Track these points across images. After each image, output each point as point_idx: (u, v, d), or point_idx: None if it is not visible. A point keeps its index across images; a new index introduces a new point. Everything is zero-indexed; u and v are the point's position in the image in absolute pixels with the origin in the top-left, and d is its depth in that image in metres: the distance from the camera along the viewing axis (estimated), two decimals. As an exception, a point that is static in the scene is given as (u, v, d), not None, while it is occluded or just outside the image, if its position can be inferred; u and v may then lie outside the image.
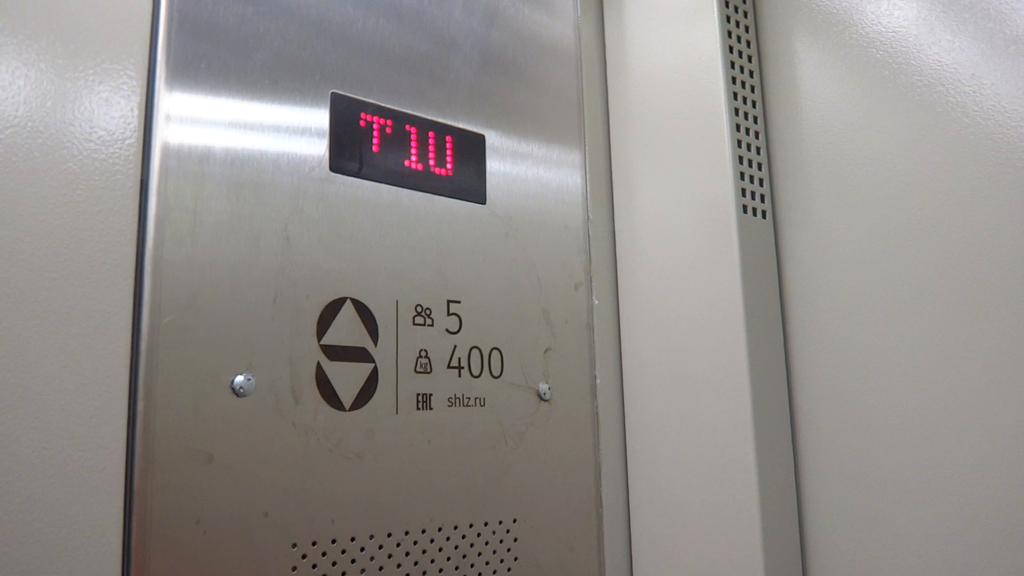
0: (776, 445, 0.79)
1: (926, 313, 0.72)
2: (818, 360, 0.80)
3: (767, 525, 0.75)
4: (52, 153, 0.57)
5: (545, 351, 0.83)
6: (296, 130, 0.70)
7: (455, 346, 0.76)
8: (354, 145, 0.73)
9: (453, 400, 0.75)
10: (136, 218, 0.60)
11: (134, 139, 0.61)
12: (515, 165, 0.85)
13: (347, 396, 0.69)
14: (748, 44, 0.87)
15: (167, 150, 0.62)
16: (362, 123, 0.74)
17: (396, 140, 0.76)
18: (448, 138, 0.79)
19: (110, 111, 0.61)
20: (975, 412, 0.68)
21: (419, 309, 0.74)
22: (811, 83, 0.84)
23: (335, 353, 0.69)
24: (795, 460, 0.81)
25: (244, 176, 0.66)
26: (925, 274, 0.72)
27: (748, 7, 0.88)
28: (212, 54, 0.66)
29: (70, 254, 0.57)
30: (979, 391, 0.67)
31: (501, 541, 0.77)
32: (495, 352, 0.79)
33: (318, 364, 0.67)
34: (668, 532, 0.84)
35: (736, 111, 0.83)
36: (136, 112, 0.62)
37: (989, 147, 0.69)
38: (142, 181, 0.61)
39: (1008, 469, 0.65)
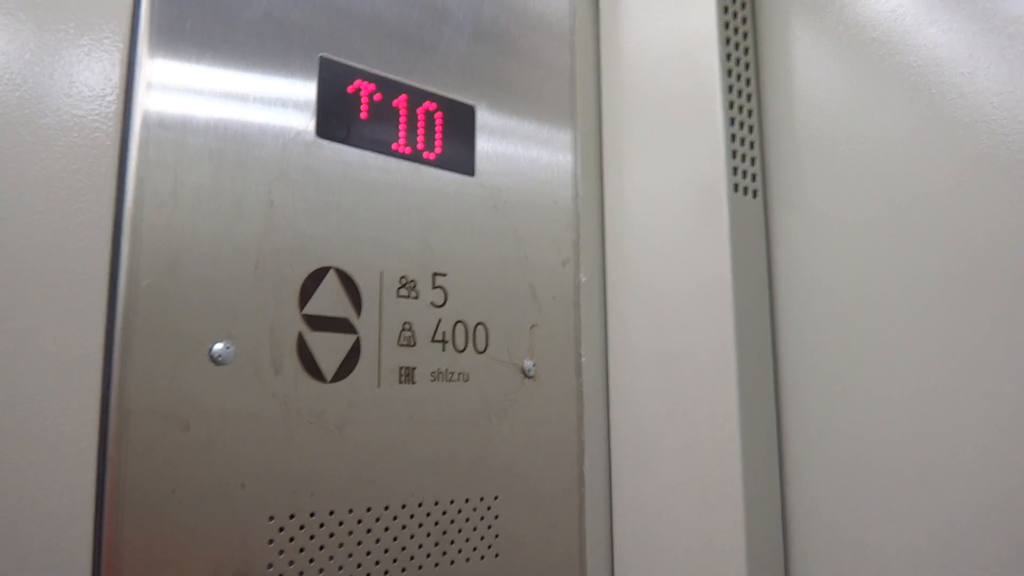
0: (761, 427, 0.78)
1: (916, 295, 0.71)
2: (806, 341, 0.79)
3: (750, 505, 0.75)
4: (29, 107, 0.55)
5: (531, 327, 0.82)
6: (283, 93, 0.68)
7: (440, 320, 0.75)
8: (342, 111, 0.71)
9: (436, 375, 0.74)
10: (115, 177, 0.59)
11: (115, 95, 0.59)
12: (505, 138, 0.84)
13: (328, 367, 0.67)
14: (744, 21, 0.86)
15: (148, 107, 0.60)
16: (351, 89, 0.72)
17: (385, 108, 0.74)
18: (438, 107, 0.78)
19: (91, 65, 0.59)
20: (965, 398, 0.67)
21: (404, 281, 0.73)
22: (806, 62, 0.83)
23: (317, 323, 0.67)
24: (779, 441, 0.80)
25: (228, 137, 0.64)
26: (916, 256, 0.71)
27: (745, -16, 0.87)
28: (198, 11, 0.64)
29: (46, 212, 0.55)
30: (969, 376, 0.67)
31: (482, 518, 0.76)
32: (480, 327, 0.78)
33: (299, 334, 0.66)
34: (650, 511, 0.83)
35: (730, 88, 0.82)
36: (117, 68, 0.60)
37: (983, 128, 0.68)
38: (122, 139, 0.59)
39: (997, 456, 0.65)
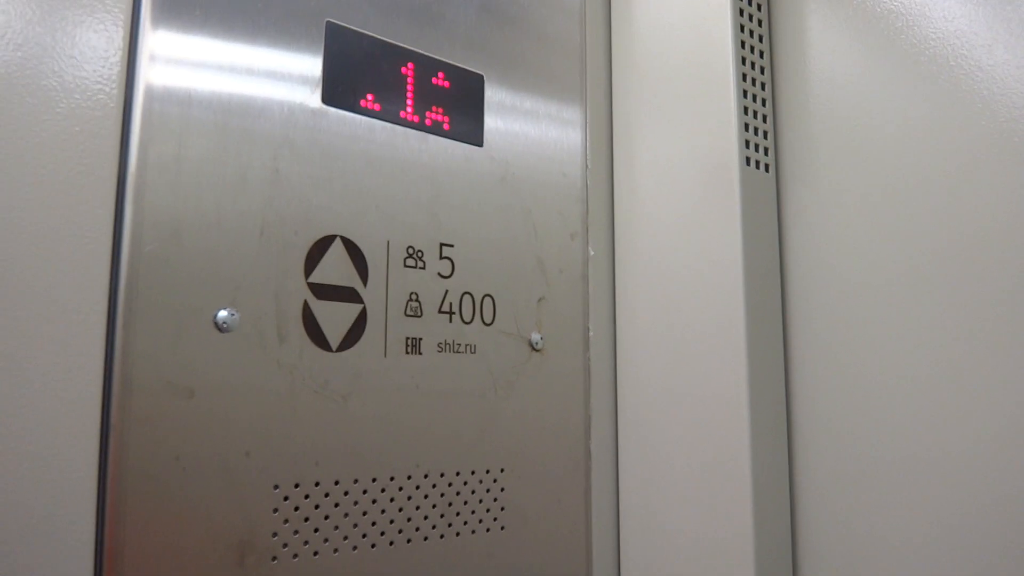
0: (770, 403, 0.77)
1: (930, 272, 0.70)
2: (816, 316, 0.78)
3: (758, 482, 0.74)
4: (31, 67, 0.54)
5: (539, 300, 0.81)
6: (288, 60, 0.67)
7: (447, 291, 0.74)
8: (349, 79, 0.70)
9: (443, 346, 0.74)
10: (118, 141, 0.58)
11: (118, 58, 0.58)
12: (514, 110, 0.82)
13: (334, 336, 0.67)
14: (758, -8, 0.84)
15: (151, 73, 0.59)
16: (358, 56, 0.71)
17: (392, 75, 0.73)
18: (446, 76, 0.77)
19: (94, 25, 0.57)
20: (980, 383, 0.66)
21: (411, 251, 0.72)
22: (820, 36, 0.81)
23: (323, 292, 0.66)
24: (788, 415, 0.79)
25: (233, 104, 0.63)
26: (930, 232, 0.70)
27: (759, -45, 0.86)
28: (202, -27, 0.63)
29: (48, 175, 0.54)
30: (983, 359, 0.66)
31: (488, 490, 0.75)
32: (487, 299, 0.77)
33: (305, 302, 0.65)
34: (656, 486, 0.82)
35: (743, 60, 0.81)
36: (120, 30, 0.59)
37: (1002, 102, 0.67)
38: (125, 102, 0.58)
39: (1012, 445, 0.64)
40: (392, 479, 0.69)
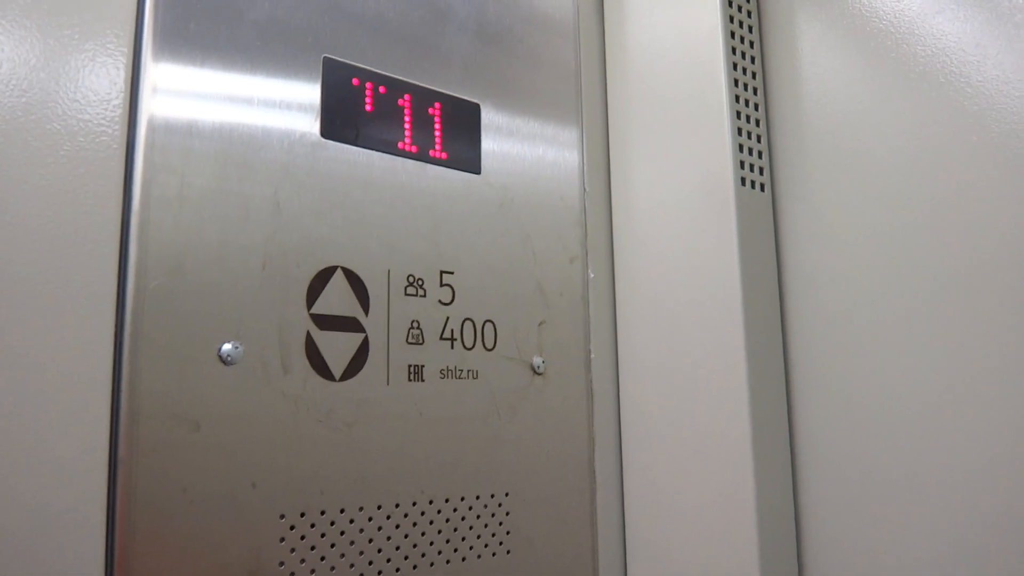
0: (772, 422, 0.78)
1: (927, 288, 0.70)
2: (815, 335, 0.79)
3: (762, 500, 0.75)
4: (35, 112, 0.56)
5: (539, 324, 0.82)
6: (287, 95, 0.68)
7: (448, 317, 0.75)
8: (347, 111, 0.72)
9: (445, 372, 0.74)
10: (122, 180, 0.59)
11: (120, 100, 0.60)
12: (511, 136, 0.84)
13: (337, 366, 0.68)
14: (749, 15, 0.85)
15: (153, 111, 0.61)
16: (355, 89, 0.72)
17: (390, 107, 0.74)
18: (443, 106, 0.78)
19: (96, 69, 0.59)
20: (977, 396, 0.67)
21: (411, 279, 0.73)
22: (812, 54, 0.82)
23: (325, 322, 0.67)
24: (791, 433, 0.80)
25: (233, 139, 0.64)
26: (926, 248, 0.71)
27: (749, -22, 0.87)
28: (201, 15, 0.64)
29: (53, 215, 0.56)
30: (980, 374, 0.66)
31: (493, 515, 0.76)
32: (488, 324, 0.78)
33: (308, 333, 0.66)
34: (662, 508, 0.83)
35: (736, 82, 0.82)
36: (122, 72, 0.60)
37: (992, 118, 0.67)
38: (128, 142, 0.60)
39: (1015, 456, 0.64)
40: (397, 506, 0.70)
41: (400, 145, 0.74)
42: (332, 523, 0.66)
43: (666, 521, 0.82)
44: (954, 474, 0.67)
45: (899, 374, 0.72)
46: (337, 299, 0.68)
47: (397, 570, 0.69)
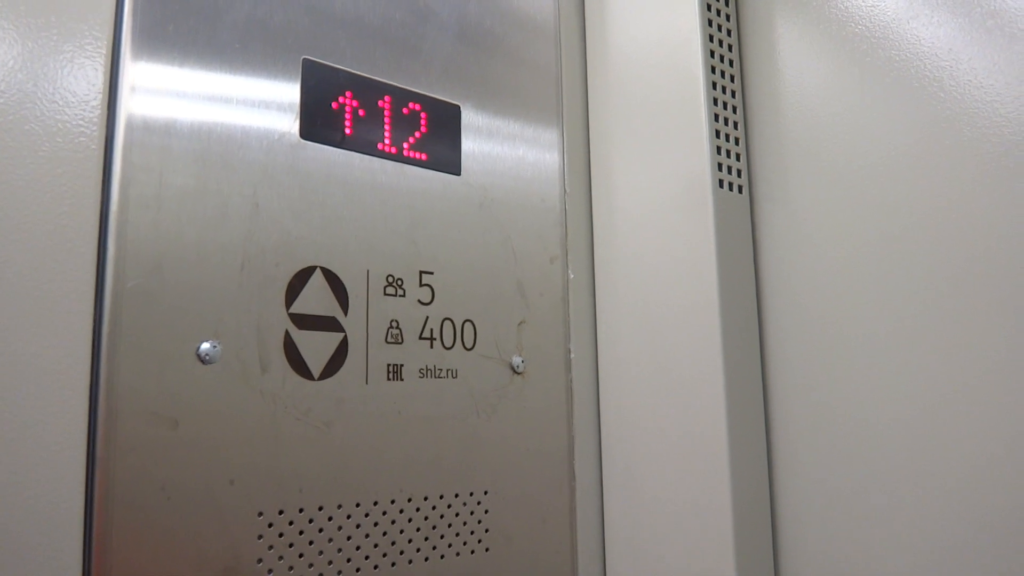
0: (749, 420, 0.79)
1: (904, 289, 0.71)
2: (792, 334, 0.80)
3: (738, 500, 0.75)
4: (13, 113, 0.56)
5: (519, 324, 0.83)
6: (266, 96, 0.69)
7: (427, 317, 0.76)
8: (326, 113, 0.72)
9: (424, 371, 0.75)
10: (100, 181, 0.59)
11: (98, 100, 0.60)
12: (491, 137, 0.84)
13: (316, 365, 0.68)
14: (728, 18, 0.86)
15: (132, 111, 0.61)
16: (334, 91, 0.73)
17: (369, 108, 0.75)
18: (422, 108, 0.79)
19: (74, 71, 0.59)
20: (954, 399, 0.67)
21: (391, 279, 0.74)
22: (790, 58, 0.83)
23: (304, 322, 0.68)
24: (767, 433, 0.81)
25: (212, 139, 0.65)
26: (902, 250, 0.72)
27: (728, -19, 0.88)
28: (180, 15, 0.65)
29: (32, 216, 0.56)
30: (958, 376, 0.67)
31: (472, 513, 0.76)
32: (468, 324, 0.79)
33: (286, 332, 0.67)
34: (641, 506, 0.84)
35: (714, 85, 0.83)
36: (101, 72, 0.61)
37: (965, 122, 0.68)
38: (106, 143, 0.60)
39: (992, 459, 0.65)
40: (376, 504, 0.70)
41: (380, 146, 0.75)
42: (311, 520, 0.66)
43: (645, 519, 0.83)
44: (930, 478, 0.68)
45: (874, 376, 0.73)
46: (316, 299, 0.69)
47: (376, 567, 0.70)
